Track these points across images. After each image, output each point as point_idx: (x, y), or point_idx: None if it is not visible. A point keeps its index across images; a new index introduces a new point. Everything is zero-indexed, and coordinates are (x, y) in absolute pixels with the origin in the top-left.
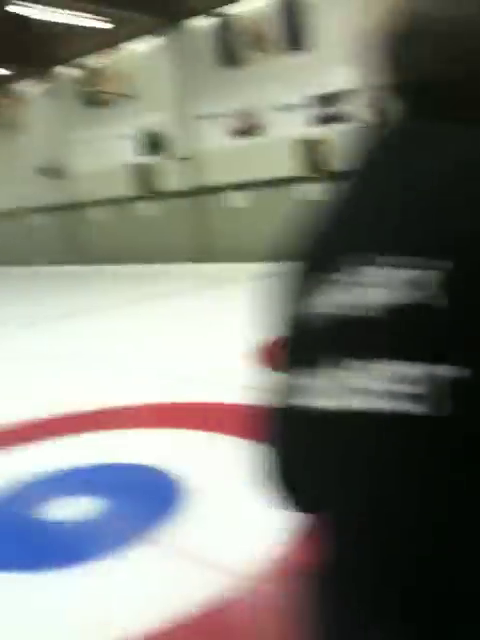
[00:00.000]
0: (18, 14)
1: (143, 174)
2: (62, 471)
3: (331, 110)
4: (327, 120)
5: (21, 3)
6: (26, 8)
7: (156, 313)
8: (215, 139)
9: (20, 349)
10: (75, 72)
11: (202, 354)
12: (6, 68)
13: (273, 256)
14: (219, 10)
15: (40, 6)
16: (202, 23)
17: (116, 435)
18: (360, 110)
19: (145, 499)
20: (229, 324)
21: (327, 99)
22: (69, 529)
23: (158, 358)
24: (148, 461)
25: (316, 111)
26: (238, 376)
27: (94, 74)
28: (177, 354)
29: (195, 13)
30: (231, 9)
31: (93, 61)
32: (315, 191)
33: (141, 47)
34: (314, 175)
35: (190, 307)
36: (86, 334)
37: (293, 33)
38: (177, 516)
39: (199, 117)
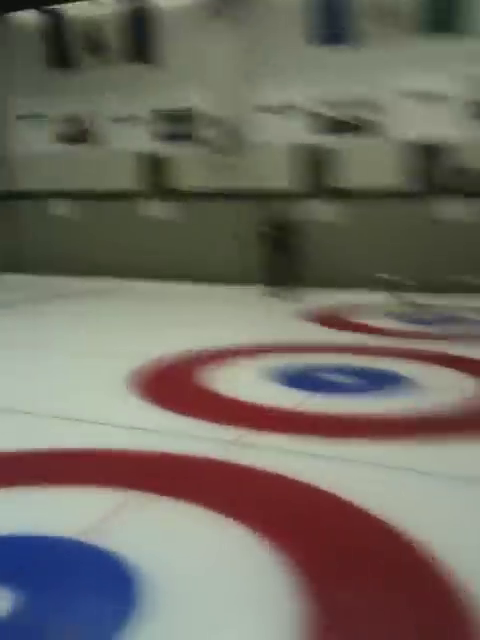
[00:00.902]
0: None
1: None
2: None
3: (178, 128)
4: (172, 138)
5: None
6: None
7: None
8: (38, 143)
9: None
10: None
11: (68, 385)
12: None
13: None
14: (51, 7)
15: None
16: (29, 18)
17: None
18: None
19: (88, 590)
20: (78, 342)
21: (174, 117)
22: None
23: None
24: (64, 532)
25: (162, 128)
26: (122, 414)
27: None
28: (32, 383)
29: (21, 6)
30: (66, 8)
31: None
32: (155, 208)
33: None
34: (155, 192)
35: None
36: None
37: (138, 45)
38: (137, 620)
39: (20, 117)
